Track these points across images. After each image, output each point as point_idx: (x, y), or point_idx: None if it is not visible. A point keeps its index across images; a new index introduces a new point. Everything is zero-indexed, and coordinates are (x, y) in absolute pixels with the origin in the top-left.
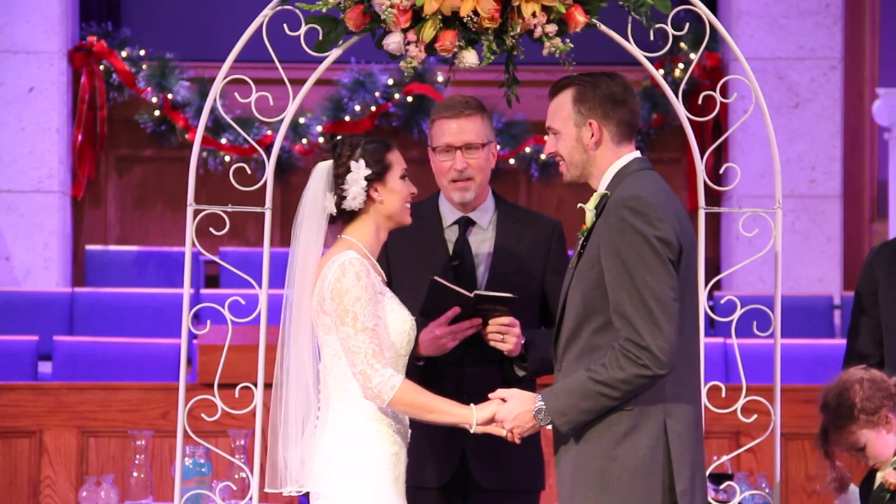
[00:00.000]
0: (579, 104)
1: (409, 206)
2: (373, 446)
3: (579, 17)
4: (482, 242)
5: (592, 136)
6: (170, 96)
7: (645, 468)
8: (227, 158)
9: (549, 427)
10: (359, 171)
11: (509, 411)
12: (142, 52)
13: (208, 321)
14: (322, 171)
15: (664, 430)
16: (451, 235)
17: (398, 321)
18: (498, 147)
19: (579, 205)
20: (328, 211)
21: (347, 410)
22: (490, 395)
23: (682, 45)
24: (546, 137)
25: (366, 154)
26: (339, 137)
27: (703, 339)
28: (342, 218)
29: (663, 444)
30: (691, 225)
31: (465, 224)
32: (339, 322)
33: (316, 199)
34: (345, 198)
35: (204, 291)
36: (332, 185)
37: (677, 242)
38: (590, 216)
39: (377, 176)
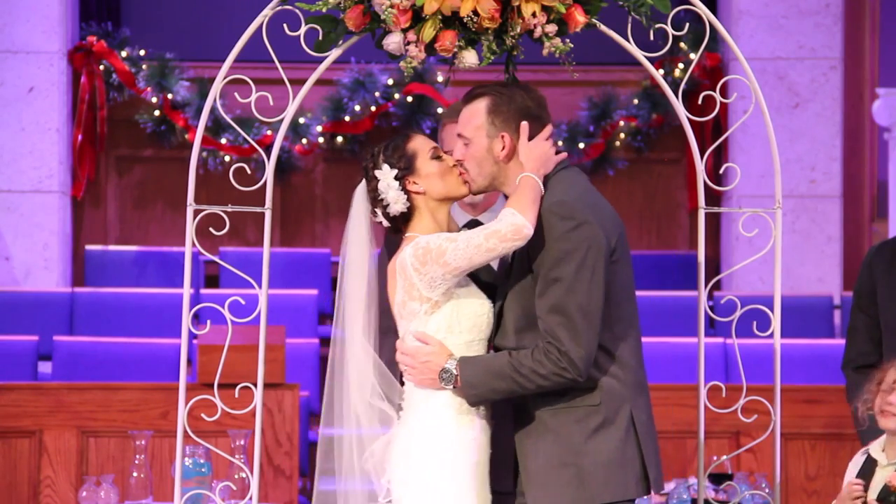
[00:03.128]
0: (493, 115)
1: (457, 175)
2: (452, 432)
3: (579, 17)
4: None
5: (503, 148)
6: (170, 96)
7: (618, 461)
8: (227, 158)
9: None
10: (386, 176)
11: (420, 352)
12: (142, 52)
13: (208, 321)
14: (360, 192)
15: (632, 421)
16: None
17: (476, 304)
18: None
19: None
20: (384, 224)
21: (428, 397)
22: (415, 335)
23: (682, 45)
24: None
25: (386, 156)
26: (365, 156)
27: (703, 339)
28: (400, 223)
29: (633, 435)
30: (618, 217)
31: (474, 227)
32: (440, 256)
33: (359, 221)
34: (387, 205)
35: (204, 291)
36: (374, 201)
37: (606, 240)
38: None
39: (406, 170)
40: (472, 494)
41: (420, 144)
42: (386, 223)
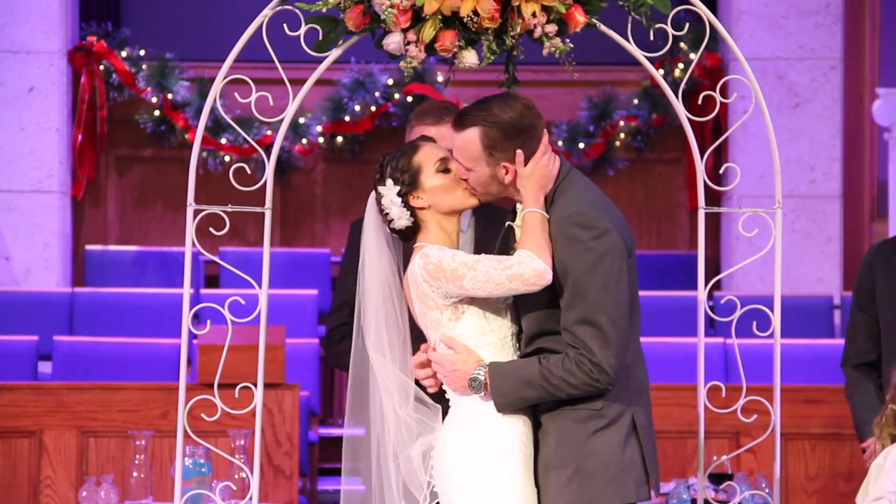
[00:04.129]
0: (490, 148)
1: (464, 189)
2: (503, 428)
3: (579, 17)
4: (463, 245)
5: (507, 173)
6: (170, 96)
7: (618, 463)
8: (227, 158)
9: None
10: (389, 192)
11: (448, 361)
12: (142, 52)
13: (208, 321)
14: (371, 203)
15: (633, 425)
16: None
17: (499, 299)
18: None
19: (508, 223)
20: (392, 235)
21: (475, 398)
22: (443, 339)
23: (682, 45)
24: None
25: (391, 170)
26: (375, 165)
27: (702, 339)
28: (409, 235)
29: (634, 438)
30: (625, 219)
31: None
32: (455, 279)
33: (371, 229)
34: (391, 220)
35: (204, 291)
36: (380, 214)
37: (623, 245)
38: (520, 234)
39: (410, 186)
40: (527, 487)
41: (426, 156)
42: (394, 235)
